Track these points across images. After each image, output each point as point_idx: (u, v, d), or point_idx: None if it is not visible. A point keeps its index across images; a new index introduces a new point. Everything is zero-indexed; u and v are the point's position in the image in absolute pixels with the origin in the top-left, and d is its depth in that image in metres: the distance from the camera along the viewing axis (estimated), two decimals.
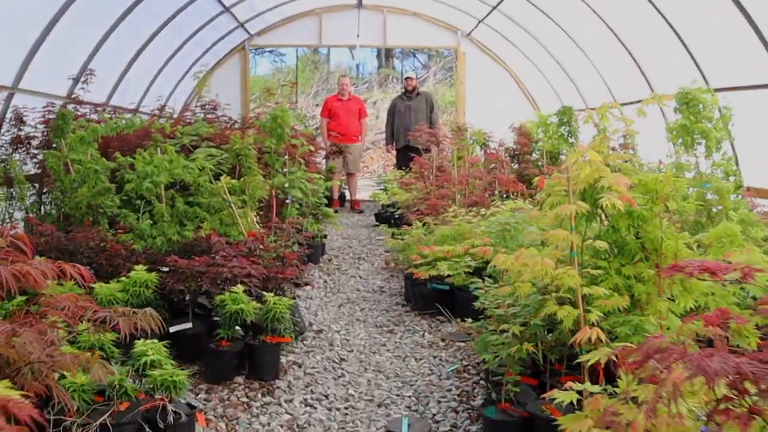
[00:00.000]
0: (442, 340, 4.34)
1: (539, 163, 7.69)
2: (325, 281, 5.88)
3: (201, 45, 10.43)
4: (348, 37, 11.58)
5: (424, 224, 5.53)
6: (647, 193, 2.85)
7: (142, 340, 2.80)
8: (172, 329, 3.48)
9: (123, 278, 3.53)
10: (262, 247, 3.88)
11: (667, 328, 2.62)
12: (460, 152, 7.46)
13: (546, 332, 3.07)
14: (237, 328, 3.51)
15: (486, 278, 3.69)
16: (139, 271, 3.49)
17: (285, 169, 5.49)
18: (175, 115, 8.32)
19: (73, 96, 7.09)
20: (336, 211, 10.63)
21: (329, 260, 6.73)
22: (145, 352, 2.77)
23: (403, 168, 10.21)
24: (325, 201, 6.73)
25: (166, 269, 3.63)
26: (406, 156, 10.47)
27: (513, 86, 11.80)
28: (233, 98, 11.21)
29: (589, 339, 2.33)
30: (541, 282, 2.77)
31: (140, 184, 4.12)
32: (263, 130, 5.21)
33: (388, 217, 8.68)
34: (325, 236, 6.80)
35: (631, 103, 7.87)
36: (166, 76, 9.72)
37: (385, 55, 30.21)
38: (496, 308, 3.15)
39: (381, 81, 26.16)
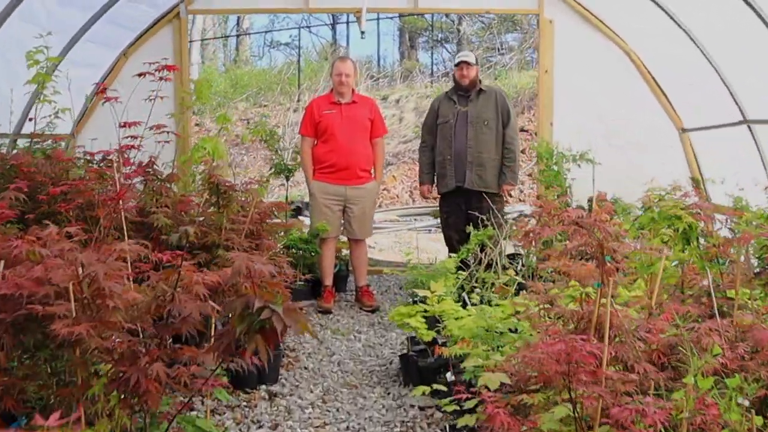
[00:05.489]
0: None
1: None
2: None
3: (83, 7, 5.70)
4: None
5: None
6: None
7: None
8: None
9: None
10: None
11: None
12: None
13: None
14: None
15: None
16: None
17: None
18: None
19: None
20: (327, 311, 5.77)
21: None
22: None
23: (457, 239, 5.33)
24: None
25: None
26: (459, 211, 5.57)
27: (634, 78, 6.80)
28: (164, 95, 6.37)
29: None
30: None
31: None
32: None
33: (435, 381, 3.57)
34: None
35: None
36: None
37: (409, 44, 25.22)
38: None
39: (404, 74, 21.02)
